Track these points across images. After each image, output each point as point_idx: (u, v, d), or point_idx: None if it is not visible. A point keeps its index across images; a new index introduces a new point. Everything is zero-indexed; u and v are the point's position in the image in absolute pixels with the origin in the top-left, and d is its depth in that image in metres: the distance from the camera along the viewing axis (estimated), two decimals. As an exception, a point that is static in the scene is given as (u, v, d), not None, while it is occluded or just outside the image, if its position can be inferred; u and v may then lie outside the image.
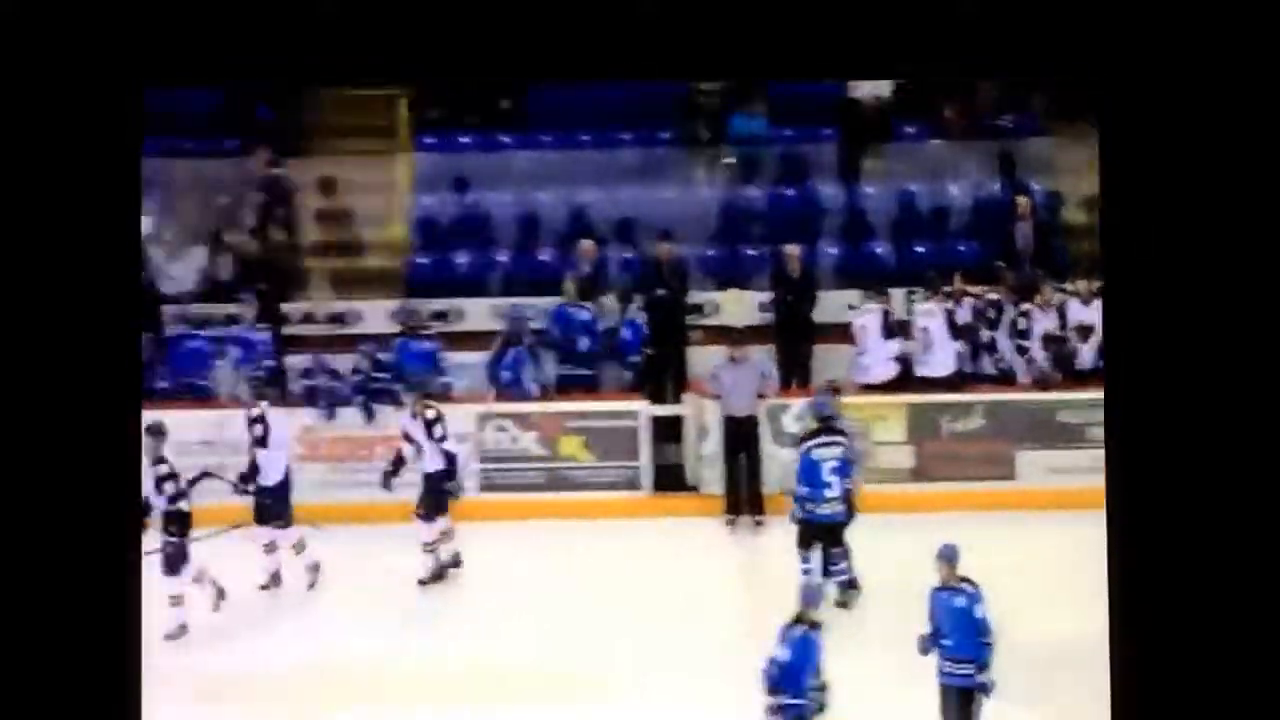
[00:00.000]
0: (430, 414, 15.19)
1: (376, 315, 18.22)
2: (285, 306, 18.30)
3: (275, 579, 15.26)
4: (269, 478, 15.21)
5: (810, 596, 11.34)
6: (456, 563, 15.34)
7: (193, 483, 14.52)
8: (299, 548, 15.25)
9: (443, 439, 15.17)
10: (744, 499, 16.56)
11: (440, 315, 18.19)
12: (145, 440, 13.87)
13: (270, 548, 15.21)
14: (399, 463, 15.31)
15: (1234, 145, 8.90)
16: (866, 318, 17.34)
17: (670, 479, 17.27)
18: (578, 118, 19.67)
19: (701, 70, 10.26)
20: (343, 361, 17.36)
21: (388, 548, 15.43)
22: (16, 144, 8.94)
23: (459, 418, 16.94)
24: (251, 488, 15.21)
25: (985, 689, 11.41)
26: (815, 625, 11.17)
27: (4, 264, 8.91)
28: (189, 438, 16.21)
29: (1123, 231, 9.00)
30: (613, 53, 9.43)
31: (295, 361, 17.68)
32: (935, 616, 11.52)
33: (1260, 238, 8.88)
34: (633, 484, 17.10)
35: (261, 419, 15.26)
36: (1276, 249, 8.88)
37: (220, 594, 14.38)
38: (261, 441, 15.22)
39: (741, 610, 14.45)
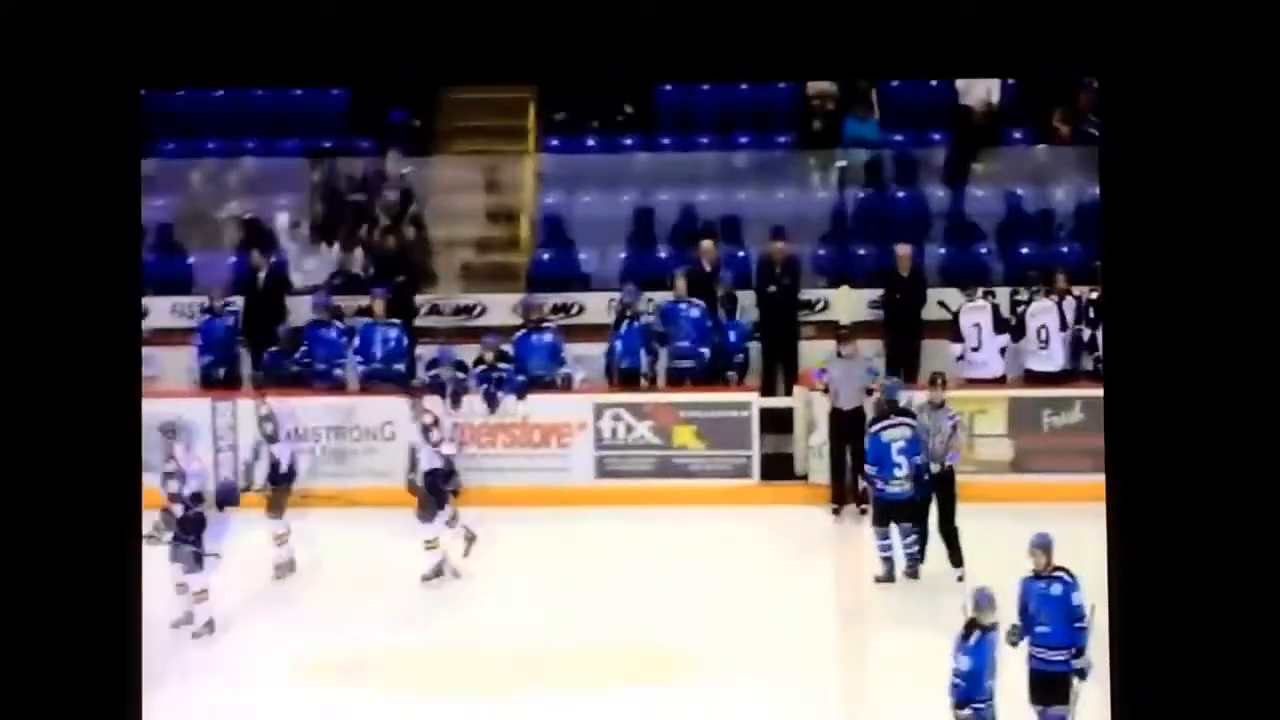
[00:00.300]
0: (427, 419, 15.07)
1: (500, 308, 18.19)
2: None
3: (290, 566, 15.21)
4: (280, 470, 15.21)
5: (983, 600, 11.13)
6: (471, 538, 15.18)
7: (221, 504, 14.39)
8: (280, 540, 15.16)
9: (439, 442, 15.03)
10: (849, 488, 16.43)
11: (561, 309, 18.14)
12: (159, 439, 13.86)
13: (281, 539, 15.17)
14: (415, 463, 15.13)
15: (1234, 145, 8.82)
16: (979, 314, 17.24)
17: (779, 468, 17.15)
18: (698, 121, 19.64)
19: (703, 70, 10.14)
20: (468, 352, 17.31)
21: (507, 527, 15.54)
22: (16, 145, 8.94)
23: (579, 407, 17.04)
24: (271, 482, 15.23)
25: (1083, 673, 11.25)
26: (991, 628, 11.03)
27: (5, 265, 8.91)
28: (320, 423, 16.68)
29: (1123, 231, 8.87)
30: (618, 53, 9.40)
31: (422, 352, 17.69)
32: (1027, 606, 11.36)
33: (1259, 237, 8.74)
34: (743, 472, 17.00)
35: (270, 417, 15.27)
36: (1275, 249, 8.73)
37: (209, 627, 14.00)
38: (272, 438, 15.23)
39: (840, 591, 14.59)
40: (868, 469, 14.94)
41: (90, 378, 8.97)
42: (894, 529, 14.74)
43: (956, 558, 14.67)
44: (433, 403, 15.39)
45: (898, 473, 14.71)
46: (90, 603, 8.98)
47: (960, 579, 14.39)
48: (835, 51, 9.39)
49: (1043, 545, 11.49)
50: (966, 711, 10.94)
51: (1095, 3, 9.00)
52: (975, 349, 17.20)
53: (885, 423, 14.94)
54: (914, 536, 14.71)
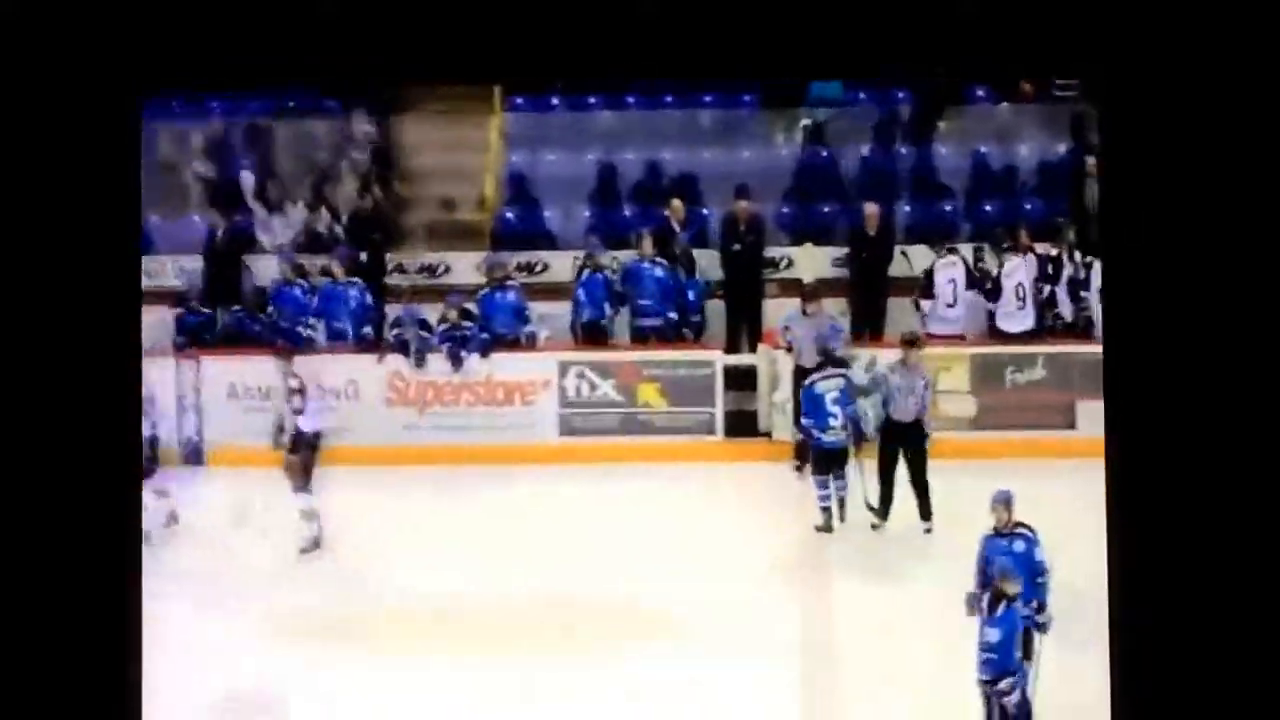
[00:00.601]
0: (293, 383, 14.46)
1: (464, 267, 17.94)
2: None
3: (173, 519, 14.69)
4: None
5: (1007, 570, 10.89)
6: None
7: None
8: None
9: (299, 411, 14.40)
10: (813, 446, 16.23)
11: (525, 267, 17.89)
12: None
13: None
14: (281, 428, 14.58)
15: (1232, 140, 8.67)
16: (953, 270, 17.09)
17: (743, 425, 16.95)
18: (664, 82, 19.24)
19: (703, 70, 10.00)
20: (432, 311, 17.13)
21: (471, 485, 15.55)
22: (15, 149, 8.76)
23: (543, 365, 16.83)
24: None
25: (1044, 628, 11.10)
26: (1015, 597, 10.78)
27: (5, 268, 8.74)
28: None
29: (1122, 211, 8.74)
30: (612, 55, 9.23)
31: (387, 311, 17.50)
32: (989, 563, 11.12)
33: (1254, 219, 8.61)
34: (707, 429, 16.82)
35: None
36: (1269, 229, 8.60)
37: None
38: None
39: (803, 546, 14.46)
40: (803, 420, 14.97)
41: (90, 377, 8.83)
42: (831, 479, 14.74)
43: (926, 511, 14.56)
44: (305, 367, 14.78)
45: (833, 423, 14.74)
46: (89, 585, 8.83)
47: (928, 531, 14.46)
48: (834, 51, 9.23)
49: (1004, 501, 11.39)
50: (1003, 684, 10.66)
51: (1095, 3, 8.81)
52: (950, 305, 17.05)
53: (819, 374, 14.99)
54: (843, 480, 14.73)
